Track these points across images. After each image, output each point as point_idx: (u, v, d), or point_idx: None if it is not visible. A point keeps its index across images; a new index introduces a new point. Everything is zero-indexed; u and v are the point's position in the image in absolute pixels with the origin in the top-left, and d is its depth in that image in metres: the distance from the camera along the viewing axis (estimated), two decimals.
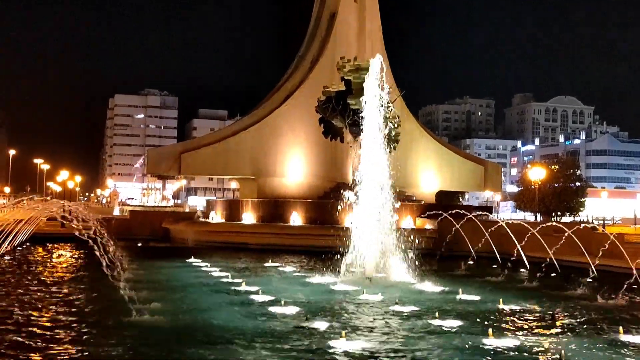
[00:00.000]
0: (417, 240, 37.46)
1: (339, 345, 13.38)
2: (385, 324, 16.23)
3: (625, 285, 21.92)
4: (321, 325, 15.74)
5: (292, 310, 17.86)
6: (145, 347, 13.35)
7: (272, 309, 18.08)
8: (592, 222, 48.83)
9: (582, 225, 31.53)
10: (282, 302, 18.63)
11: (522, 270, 29.85)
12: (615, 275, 25.19)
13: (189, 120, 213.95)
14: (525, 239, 29.58)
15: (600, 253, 26.19)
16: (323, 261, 28.95)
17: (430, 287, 23.42)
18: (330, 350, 13.05)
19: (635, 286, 22.92)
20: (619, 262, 26.51)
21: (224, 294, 21.56)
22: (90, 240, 18.89)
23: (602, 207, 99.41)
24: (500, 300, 19.45)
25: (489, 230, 32.97)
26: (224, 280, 25.06)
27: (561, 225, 30.46)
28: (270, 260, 32.71)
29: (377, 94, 28.18)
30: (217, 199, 76.93)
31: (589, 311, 18.61)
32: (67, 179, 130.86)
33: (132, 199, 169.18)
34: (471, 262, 32.45)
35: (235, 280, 24.45)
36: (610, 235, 27.19)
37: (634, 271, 24.25)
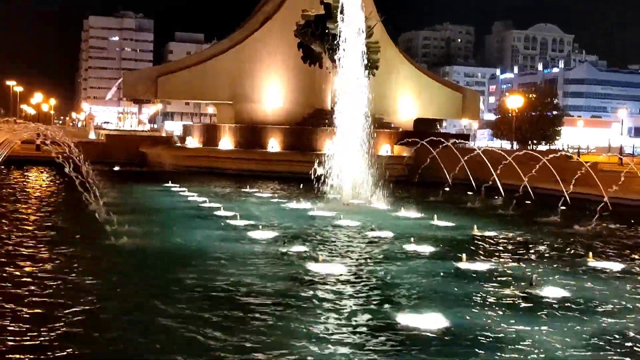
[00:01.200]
0: (394, 168, 37.86)
1: (316, 269, 13.58)
2: (361, 248, 16.47)
3: (597, 213, 22.37)
4: (298, 249, 15.93)
5: (269, 234, 18.02)
6: (122, 272, 13.45)
7: (250, 233, 18.22)
8: (567, 151, 49.34)
9: (557, 153, 31.81)
10: (260, 226, 18.79)
11: (497, 197, 30.28)
12: (588, 202, 25.62)
13: (165, 44, 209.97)
14: (501, 167, 29.85)
15: (574, 181, 26.54)
16: (302, 187, 29.08)
17: (406, 213, 23.68)
18: (306, 274, 13.24)
19: (606, 213, 23.43)
20: (592, 190, 26.93)
21: (201, 218, 21.67)
22: (65, 164, 18.75)
23: (577, 136, 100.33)
24: (475, 226, 19.77)
25: (465, 157, 33.21)
26: (202, 205, 25.13)
27: (536, 154, 30.73)
28: (248, 186, 32.79)
29: (356, 18, 27.77)
30: (194, 124, 76.45)
31: (561, 237, 19.01)
32: (41, 101, 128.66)
33: (108, 122, 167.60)
34: (447, 189, 32.82)
35: (213, 205, 24.54)
36: (584, 164, 27.52)
37: (606, 199, 24.72)
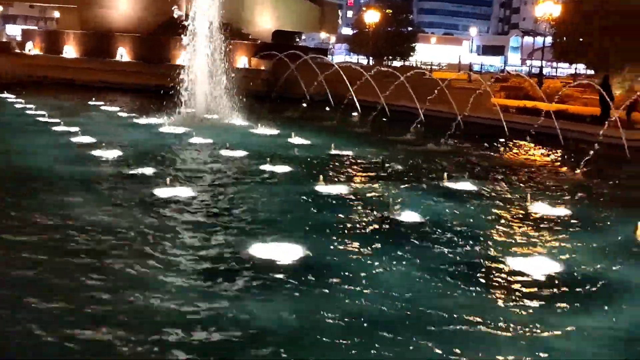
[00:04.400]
0: (251, 82, 36.67)
1: (162, 192, 12.53)
2: (212, 169, 15.49)
3: (450, 131, 22.63)
4: (145, 170, 14.70)
5: (113, 153, 16.62)
6: None
7: (93, 152, 16.73)
8: (421, 68, 50.02)
9: (413, 70, 31.90)
10: (104, 144, 17.30)
11: (354, 114, 30.11)
12: (442, 120, 25.93)
13: None
14: (359, 83, 29.53)
15: (429, 99, 26.71)
16: (153, 101, 27.35)
17: (263, 130, 22.88)
18: (151, 198, 12.17)
19: (458, 132, 23.80)
20: (445, 107, 27.26)
21: (39, 134, 19.79)
22: None
23: (431, 52, 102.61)
24: (332, 145, 19.32)
25: (324, 73, 32.61)
26: (41, 119, 23.06)
27: (393, 70, 30.62)
28: (94, 99, 30.59)
29: None
30: (37, 28, 70.54)
31: (417, 157, 18.96)
32: None
33: None
34: (305, 105, 32.29)
35: (53, 120, 22.56)
36: (439, 82, 27.69)
37: (459, 117, 25.09)
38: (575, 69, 69.06)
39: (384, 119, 28.53)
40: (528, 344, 6.90)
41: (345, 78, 30.51)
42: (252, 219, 11.17)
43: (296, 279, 8.38)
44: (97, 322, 6.90)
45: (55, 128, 20.80)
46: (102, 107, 28.68)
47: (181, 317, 7.11)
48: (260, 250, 9.34)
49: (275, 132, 22.65)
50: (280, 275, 8.47)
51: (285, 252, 9.29)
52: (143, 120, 24.13)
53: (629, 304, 8.12)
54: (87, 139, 18.68)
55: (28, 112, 25.02)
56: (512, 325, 7.30)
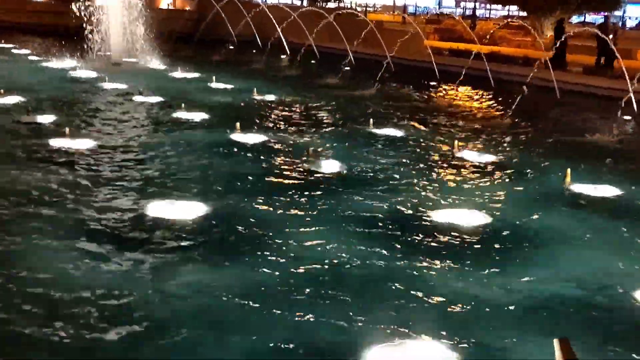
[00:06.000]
0: (175, 22, 34.89)
1: (62, 144, 11.34)
2: (121, 117, 14.25)
3: (378, 74, 21.80)
4: (46, 119, 13.41)
5: (12, 100, 15.19)
6: None
7: None
8: (355, 9, 48.72)
9: (344, 10, 30.78)
10: (2, 91, 15.79)
11: (283, 56, 28.95)
12: (373, 63, 25.03)
13: None
14: (286, 24, 28.30)
15: (359, 40, 25.72)
16: (68, 43, 25.50)
17: (184, 74, 21.59)
18: (45, 150, 10.99)
19: (388, 75, 23.00)
20: (376, 50, 26.35)
21: None
22: None
23: None
24: (255, 89, 18.23)
25: (251, 13, 31.10)
26: None
27: (322, 11, 29.39)
28: (2, 41, 28.45)
29: None
30: None
31: (343, 101, 18.09)
32: None
33: None
34: (231, 48, 30.91)
35: None
36: (369, 22, 26.67)
37: (389, 59, 24.26)
38: (509, 10, 68.80)
39: (312, 62, 27.47)
40: (453, 306, 6.22)
41: (272, 18, 29.19)
42: (156, 173, 10.12)
43: (196, 241, 7.48)
44: None
45: None
46: (13, 50, 26.68)
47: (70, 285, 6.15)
48: (159, 208, 8.36)
49: (195, 75, 21.38)
50: (181, 240, 7.55)
51: (186, 210, 8.35)
52: (54, 64, 22.44)
53: (560, 257, 7.53)
54: None
55: None
56: (434, 284, 6.62)
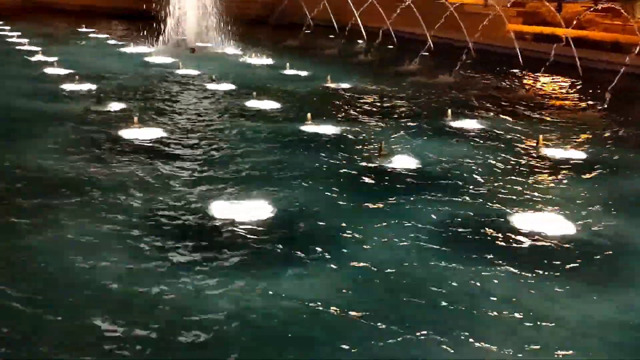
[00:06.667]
0: (250, 6, 34.67)
1: (128, 135, 11.13)
2: (191, 105, 14.00)
3: (459, 61, 20.87)
4: (114, 107, 13.28)
5: (85, 87, 15.16)
6: None
7: (63, 85, 15.32)
8: None
9: None
10: (77, 77, 15.80)
11: (360, 41, 28.24)
12: (453, 48, 24.08)
13: None
14: (364, 8, 27.54)
15: (439, 25, 24.73)
16: (147, 28, 25.55)
17: (258, 60, 21.25)
18: (114, 140, 10.79)
19: (469, 61, 22.05)
20: (456, 34, 25.33)
21: (12, 64, 18.31)
22: None
23: None
24: (328, 77, 17.67)
25: None
26: (20, 47, 21.52)
27: None
28: (84, 26, 28.82)
29: None
30: None
31: (420, 89, 17.30)
32: None
33: None
34: (308, 32, 30.36)
35: (33, 48, 20.99)
36: (450, 6, 25.62)
37: (470, 44, 23.27)
38: None
39: (390, 47, 26.68)
40: (532, 327, 5.57)
41: (349, 2, 28.44)
42: (218, 166, 9.72)
43: (261, 243, 7.05)
44: (36, 288, 5.68)
45: (32, 58, 19.27)
46: (92, 35, 26.99)
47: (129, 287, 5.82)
48: (220, 207, 7.97)
49: (269, 62, 20.99)
50: (242, 239, 7.12)
51: (250, 209, 7.93)
52: (130, 49, 22.52)
53: None
54: (61, 71, 17.20)
55: (9, 40, 23.50)
56: (514, 301, 5.96)
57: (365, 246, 7.11)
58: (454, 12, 25.21)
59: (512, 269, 6.66)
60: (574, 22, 25.43)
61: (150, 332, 5.30)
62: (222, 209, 7.89)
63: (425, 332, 5.44)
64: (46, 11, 34.48)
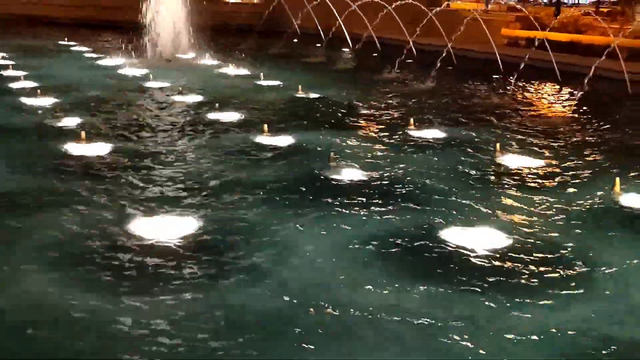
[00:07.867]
0: (238, 15, 34.57)
1: (74, 149, 10.92)
2: (149, 119, 13.67)
3: (436, 67, 20.56)
4: (71, 122, 13.04)
5: (47, 101, 14.95)
6: None
7: (26, 99, 15.14)
8: None
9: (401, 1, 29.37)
10: (39, 91, 15.63)
11: (345, 49, 28.03)
12: (434, 54, 23.73)
13: None
14: (346, 14, 27.27)
15: (420, 30, 24.43)
16: (129, 39, 25.37)
17: (234, 70, 21.01)
18: (59, 156, 10.56)
19: (450, 67, 21.80)
20: (437, 40, 25.01)
21: None
22: None
23: None
24: (299, 86, 17.40)
25: (312, 3, 30.17)
26: None
27: (382, 2, 28.21)
28: (66, 38, 28.72)
29: None
30: None
31: (390, 97, 17.02)
32: None
33: None
34: (295, 40, 30.10)
35: (5, 63, 20.87)
36: (429, 12, 25.26)
37: (449, 48, 22.94)
38: None
39: (374, 54, 26.44)
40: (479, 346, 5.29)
41: (333, 8, 28.08)
42: (163, 181, 9.46)
43: (191, 259, 6.79)
44: None
45: (1, 72, 19.11)
46: (73, 48, 26.83)
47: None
48: (145, 226, 7.70)
49: (245, 72, 20.73)
50: (171, 260, 6.86)
51: (180, 225, 7.69)
52: (106, 62, 22.34)
53: (608, 289, 6.42)
54: (29, 84, 17.06)
55: None
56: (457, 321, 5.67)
57: (288, 258, 6.87)
58: (433, 18, 24.68)
59: (433, 285, 6.38)
60: (550, 25, 24.84)
61: None
62: (145, 226, 7.63)
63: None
64: (36, 23, 34.39)
